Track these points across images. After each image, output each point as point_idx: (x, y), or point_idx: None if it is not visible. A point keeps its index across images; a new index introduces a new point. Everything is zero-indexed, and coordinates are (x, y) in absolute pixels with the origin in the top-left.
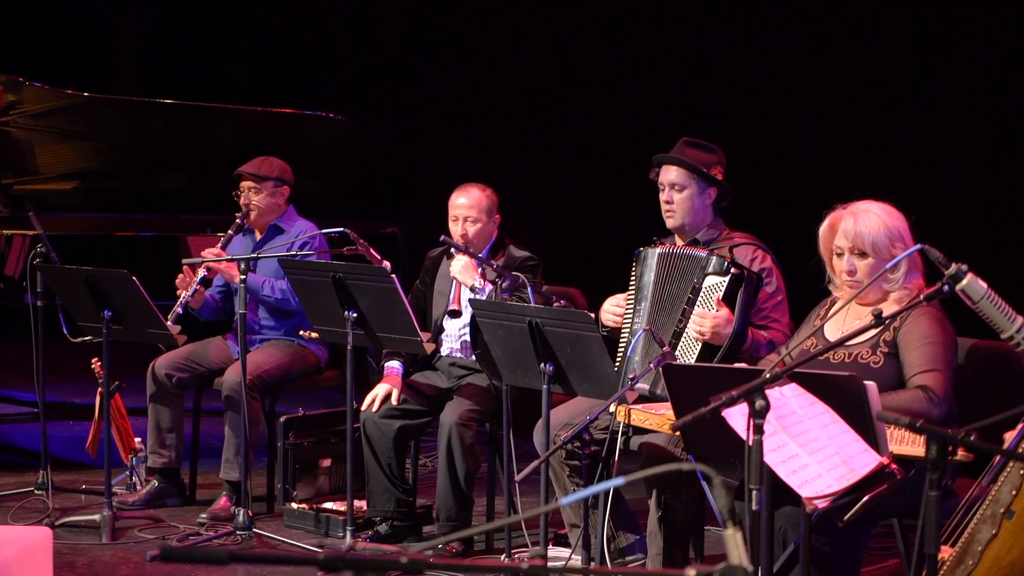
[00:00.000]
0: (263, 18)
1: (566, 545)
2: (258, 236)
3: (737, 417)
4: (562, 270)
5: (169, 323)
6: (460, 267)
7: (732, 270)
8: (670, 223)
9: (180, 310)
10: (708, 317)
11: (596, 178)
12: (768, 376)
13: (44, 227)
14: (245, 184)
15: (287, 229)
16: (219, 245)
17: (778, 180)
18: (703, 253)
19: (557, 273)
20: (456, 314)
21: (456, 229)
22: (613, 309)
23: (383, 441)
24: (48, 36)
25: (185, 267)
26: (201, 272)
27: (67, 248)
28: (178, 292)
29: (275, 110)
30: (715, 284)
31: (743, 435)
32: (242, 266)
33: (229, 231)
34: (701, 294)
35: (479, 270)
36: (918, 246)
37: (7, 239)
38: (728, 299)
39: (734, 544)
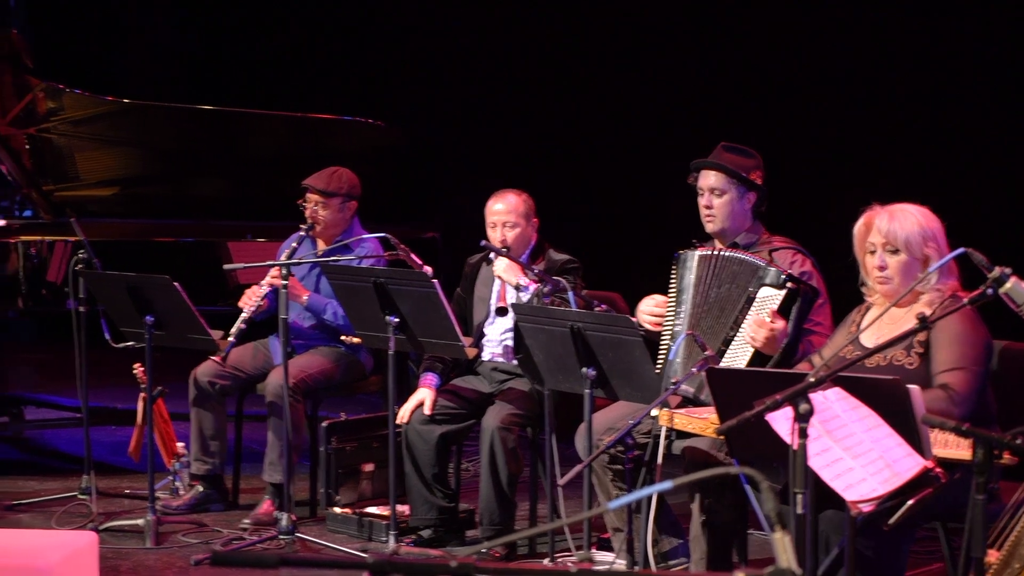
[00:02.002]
0: (301, 23)
1: (609, 549)
2: (321, 246)
3: (781, 421)
4: (602, 274)
5: (232, 340)
6: (504, 266)
7: (789, 284)
8: (709, 228)
9: (243, 327)
10: (764, 326)
11: (636, 182)
12: (812, 380)
13: (85, 233)
14: (312, 197)
15: (353, 247)
16: (281, 256)
17: (817, 184)
18: (760, 262)
19: (597, 277)
20: (504, 311)
21: (495, 235)
22: (651, 310)
23: (424, 448)
24: (84, 44)
25: (241, 273)
26: (266, 289)
27: (107, 254)
28: (242, 306)
29: (314, 116)
30: (771, 296)
31: (787, 439)
32: (283, 271)
33: (293, 244)
34: (755, 304)
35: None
36: (961, 249)
37: (49, 245)
38: (782, 312)
39: (782, 547)
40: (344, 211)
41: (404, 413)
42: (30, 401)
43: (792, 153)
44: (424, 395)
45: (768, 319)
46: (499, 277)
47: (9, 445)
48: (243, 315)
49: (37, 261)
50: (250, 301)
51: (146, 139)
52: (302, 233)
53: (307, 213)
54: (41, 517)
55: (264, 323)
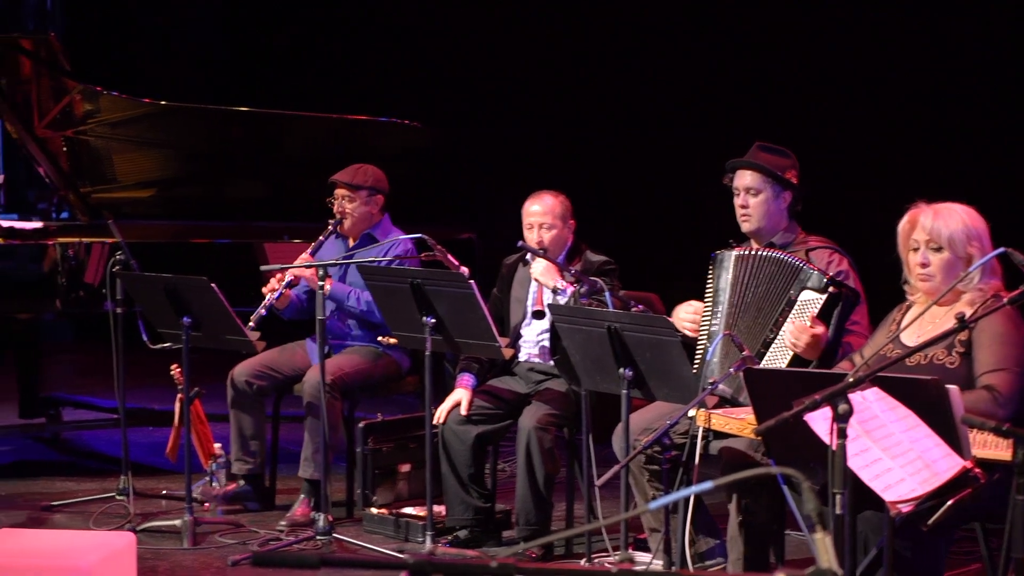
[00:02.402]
0: (337, 25)
1: (646, 549)
2: (351, 243)
3: (820, 421)
4: (639, 275)
5: (252, 325)
6: (542, 268)
7: (831, 289)
8: (745, 227)
9: (264, 311)
10: (805, 331)
11: (673, 182)
12: (851, 380)
13: (122, 235)
14: (339, 192)
15: (380, 239)
16: (309, 250)
17: (854, 183)
18: (800, 263)
19: (634, 278)
20: (540, 315)
21: (532, 236)
22: (690, 316)
23: (461, 449)
24: (121, 46)
25: (276, 272)
26: (288, 277)
27: (144, 255)
28: (264, 294)
29: (350, 117)
30: (812, 300)
31: (826, 439)
32: (320, 272)
33: (320, 237)
34: (796, 306)
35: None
36: (1001, 249)
37: (86, 247)
38: (823, 316)
39: (823, 548)
40: (371, 204)
41: (441, 413)
42: (68, 402)
43: (828, 152)
44: (461, 395)
45: (809, 323)
46: (536, 280)
47: (47, 446)
48: (264, 302)
49: (75, 263)
50: (272, 288)
51: (183, 141)
52: (330, 228)
53: (335, 208)
54: (79, 518)
55: (301, 324)
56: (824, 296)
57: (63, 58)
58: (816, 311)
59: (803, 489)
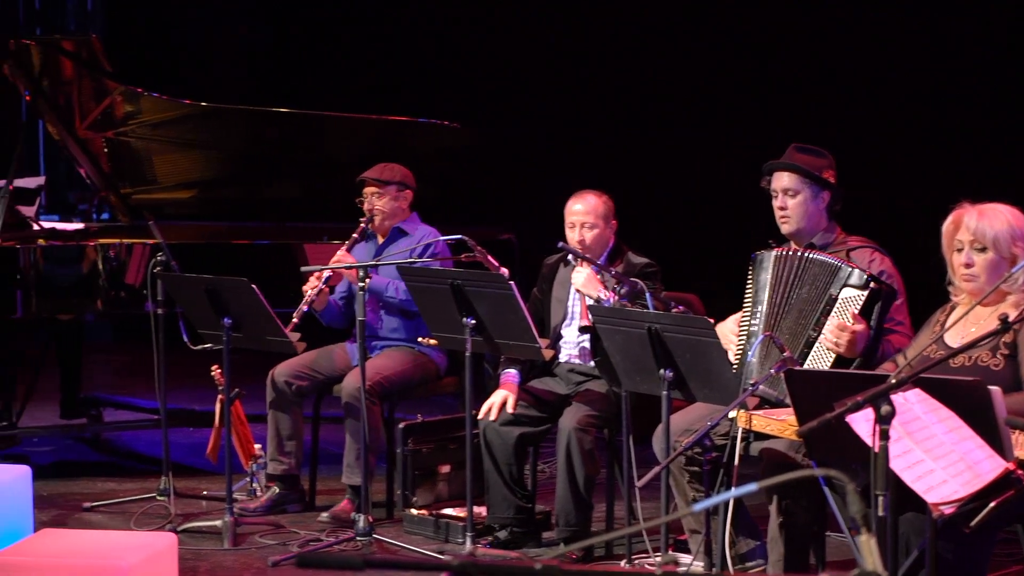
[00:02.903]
0: (376, 25)
1: (685, 551)
2: (380, 240)
3: (862, 423)
4: (679, 276)
5: (293, 325)
6: (583, 280)
7: (872, 285)
8: (785, 229)
9: (305, 308)
10: (847, 330)
11: (713, 183)
12: (894, 381)
13: (163, 235)
14: (368, 190)
15: (411, 233)
16: (344, 248)
17: (893, 184)
18: (838, 262)
19: (674, 279)
20: (587, 330)
21: (573, 236)
22: (733, 340)
23: (503, 448)
24: (162, 47)
25: (312, 273)
26: (326, 273)
27: (185, 256)
28: (304, 292)
29: (389, 118)
30: (853, 297)
31: (868, 441)
32: (360, 273)
33: (354, 235)
34: (837, 305)
35: (599, 278)
36: None
37: (127, 248)
38: (864, 313)
39: (868, 549)
40: (400, 200)
41: (491, 410)
42: (109, 403)
43: (870, 153)
44: (506, 393)
45: (850, 321)
46: (578, 291)
47: (88, 446)
48: (304, 299)
49: (116, 263)
50: (312, 287)
51: (223, 142)
52: (362, 226)
53: (365, 207)
54: (120, 518)
55: (346, 325)
56: (865, 293)
57: (104, 59)
58: (858, 308)
59: (847, 491)
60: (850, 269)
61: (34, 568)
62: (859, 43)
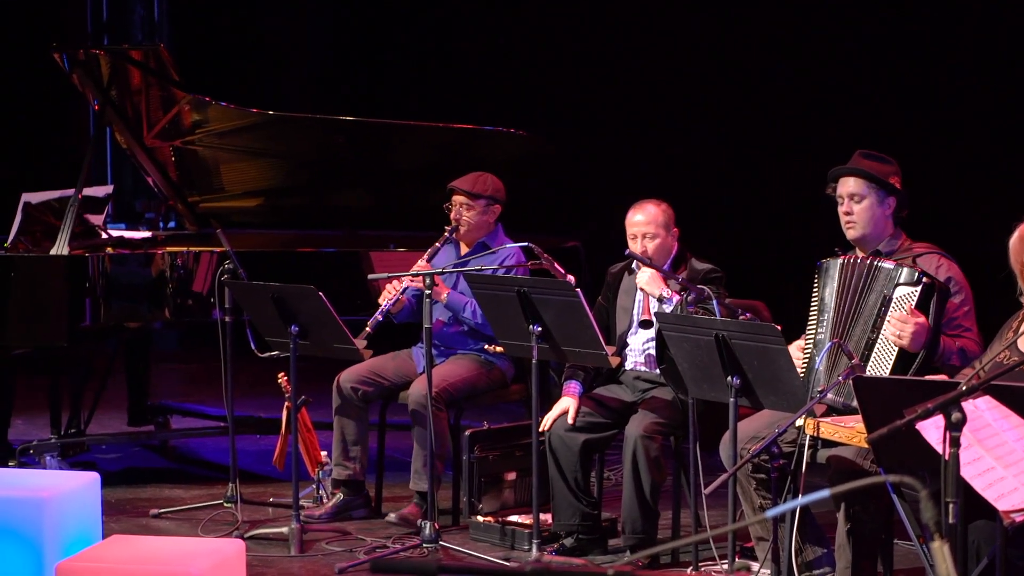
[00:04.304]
0: (444, 34)
1: (752, 558)
2: (463, 250)
3: (931, 430)
4: (744, 283)
5: (368, 331)
6: (647, 278)
7: (924, 280)
8: (850, 234)
9: (380, 318)
10: (909, 321)
11: (779, 189)
12: (964, 388)
13: (230, 244)
14: (457, 199)
15: (494, 247)
16: (424, 257)
17: (960, 191)
18: (890, 264)
19: (739, 286)
20: (648, 324)
21: (635, 247)
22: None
23: (568, 455)
24: (230, 56)
25: (388, 281)
26: (405, 282)
27: (252, 264)
28: (380, 301)
29: (456, 126)
30: (907, 294)
31: (938, 448)
32: (427, 281)
33: (436, 244)
34: (893, 304)
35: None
36: None
37: (195, 256)
38: (921, 308)
39: (941, 556)
40: (488, 214)
41: (547, 422)
42: (176, 410)
43: (933, 159)
44: (567, 404)
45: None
46: (641, 289)
47: (155, 453)
48: (381, 307)
49: (183, 272)
50: (389, 294)
51: (290, 150)
52: (446, 235)
53: (452, 215)
54: (187, 525)
55: (407, 331)
56: (919, 288)
57: (172, 69)
58: (913, 303)
59: (920, 498)
60: (900, 268)
61: (104, 574)
62: (925, 48)
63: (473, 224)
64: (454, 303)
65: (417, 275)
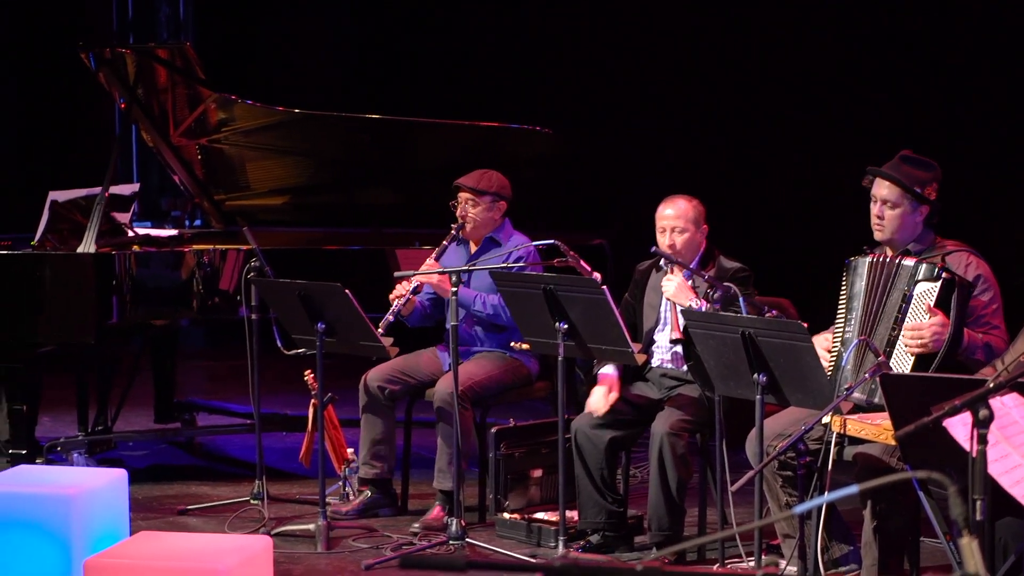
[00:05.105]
0: (468, 31)
1: (778, 555)
2: (473, 248)
3: (959, 427)
4: (771, 280)
5: (381, 331)
6: (674, 288)
7: (944, 275)
8: (878, 236)
9: (391, 318)
10: (924, 328)
11: (806, 187)
12: (991, 385)
13: (257, 241)
14: (463, 196)
15: (503, 242)
16: (433, 256)
17: (991, 189)
18: (910, 262)
19: (766, 283)
20: (679, 342)
21: (663, 240)
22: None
23: (594, 452)
24: (255, 54)
25: (400, 280)
26: (414, 282)
27: (278, 262)
28: (391, 300)
29: (480, 124)
30: (927, 290)
31: (965, 445)
32: (453, 278)
33: (443, 242)
34: (913, 301)
35: (690, 283)
36: None
37: (221, 254)
38: (941, 304)
39: (970, 553)
40: (494, 210)
41: (599, 404)
42: (202, 407)
43: (962, 156)
44: (608, 385)
45: (926, 315)
46: (669, 299)
47: (182, 450)
48: (392, 307)
49: (209, 269)
50: (400, 295)
51: (315, 148)
52: (453, 232)
53: (458, 212)
54: (214, 521)
55: (432, 329)
56: (938, 284)
57: (198, 67)
58: (933, 300)
59: (949, 494)
60: (919, 264)
61: (132, 570)
62: (955, 42)
63: (480, 221)
64: (463, 299)
65: (440, 272)
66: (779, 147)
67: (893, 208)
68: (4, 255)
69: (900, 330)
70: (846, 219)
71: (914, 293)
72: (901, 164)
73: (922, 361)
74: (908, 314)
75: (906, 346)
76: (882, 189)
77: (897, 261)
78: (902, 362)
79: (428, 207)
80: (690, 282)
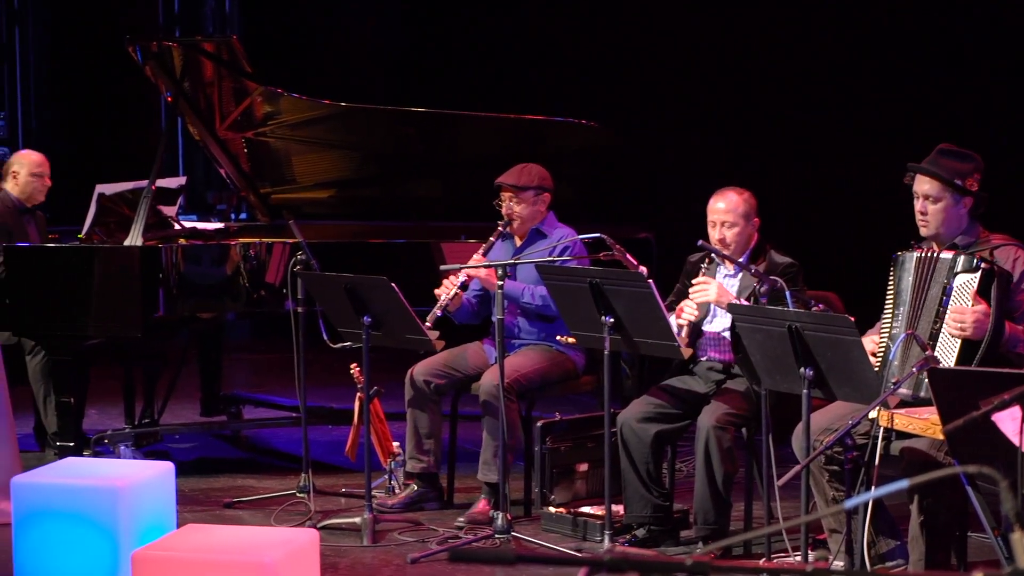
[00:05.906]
0: (514, 25)
1: (825, 550)
2: (518, 242)
3: (1008, 421)
4: (819, 274)
5: (428, 325)
6: (715, 294)
7: (983, 265)
8: (924, 232)
9: (439, 312)
10: (967, 312)
11: (855, 181)
12: None
13: (303, 235)
14: (505, 194)
15: (548, 234)
16: (480, 252)
17: None
18: (949, 255)
19: (813, 277)
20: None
21: (714, 234)
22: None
23: (640, 446)
24: (301, 48)
25: (447, 275)
26: (462, 277)
27: (323, 255)
28: (437, 295)
29: (527, 117)
30: (967, 281)
31: (1014, 439)
32: (499, 272)
33: (491, 238)
34: (953, 293)
35: (739, 276)
36: None
37: (267, 247)
38: (982, 294)
39: (1021, 548)
40: (537, 204)
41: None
42: (248, 400)
43: (1016, 151)
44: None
45: (969, 301)
46: (714, 304)
47: (228, 443)
48: (440, 302)
49: (255, 263)
50: (447, 290)
51: (361, 142)
52: (500, 229)
53: (503, 210)
54: (260, 514)
55: (478, 324)
56: (978, 274)
57: (244, 60)
58: (974, 289)
59: (1001, 489)
60: (958, 257)
61: (180, 563)
62: (999, 36)
63: (525, 216)
64: (511, 291)
65: (486, 266)
66: (831, 140)
67: (935, 203)
68: (52, 248)
69: (941, 323)
70: (895, 213)
71: (954, 285)
72: (939, 158)
73: (966, 353)
74: (949, 306)
75: (948, 332)
76: (923, 185)
77: (938, 255)
78: (946, 352)
79: (473, 200)
80: (739, 276)
